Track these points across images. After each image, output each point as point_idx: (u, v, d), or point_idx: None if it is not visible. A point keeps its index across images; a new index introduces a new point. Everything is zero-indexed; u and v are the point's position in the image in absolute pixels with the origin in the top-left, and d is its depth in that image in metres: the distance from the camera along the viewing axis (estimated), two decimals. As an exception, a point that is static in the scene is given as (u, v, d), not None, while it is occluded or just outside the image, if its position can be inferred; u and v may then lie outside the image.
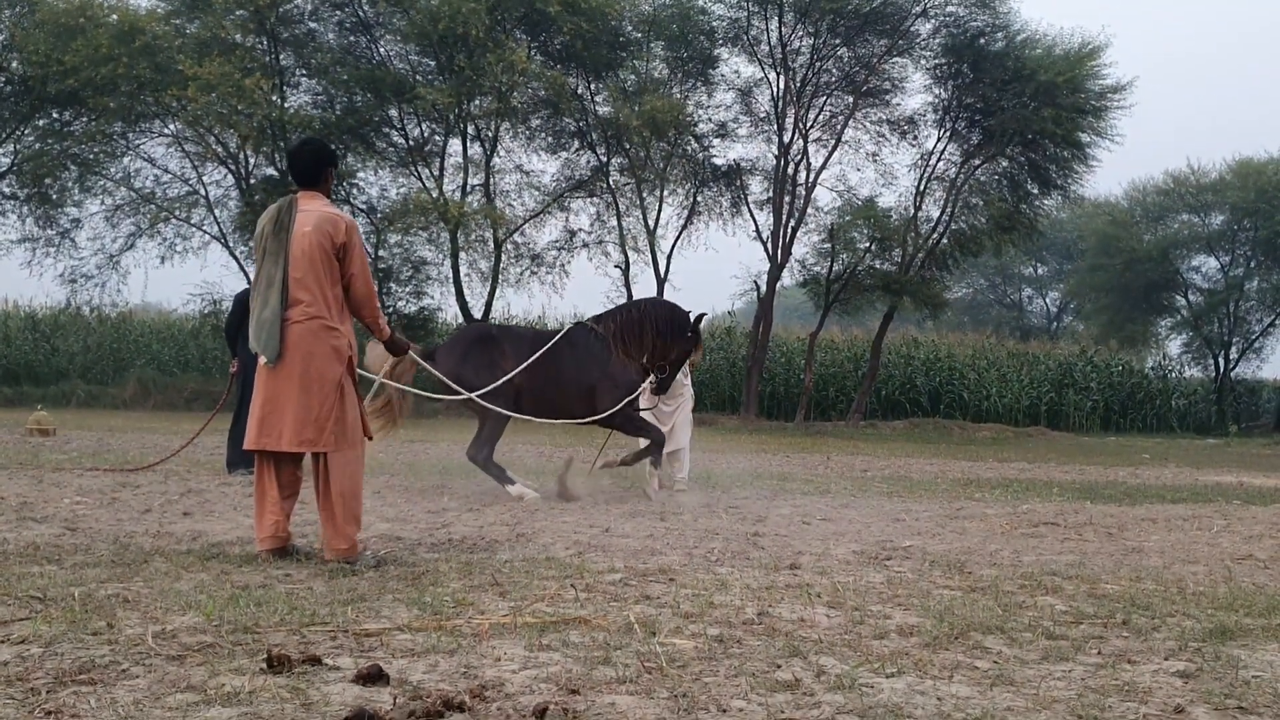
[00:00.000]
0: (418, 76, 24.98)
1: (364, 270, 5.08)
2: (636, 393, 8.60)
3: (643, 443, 8.79)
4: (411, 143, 25.82)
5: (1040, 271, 51.16)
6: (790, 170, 27.28)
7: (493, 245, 26.37)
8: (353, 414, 5.06)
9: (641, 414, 9.33)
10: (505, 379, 8.16)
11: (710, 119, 27.67)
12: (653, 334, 8.66)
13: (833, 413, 29.76)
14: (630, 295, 26.83)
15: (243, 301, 9.74)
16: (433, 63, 24.98)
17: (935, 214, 27.89)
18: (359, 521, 5.01)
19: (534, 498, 8.02)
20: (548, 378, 8.35)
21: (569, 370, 8.46)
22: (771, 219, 27.37)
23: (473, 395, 7.87)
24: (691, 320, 8.91)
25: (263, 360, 4.93)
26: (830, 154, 27.38)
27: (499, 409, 8.10)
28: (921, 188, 27.67)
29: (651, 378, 8.81)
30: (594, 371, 8.51)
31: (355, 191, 25.57)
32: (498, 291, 26.86)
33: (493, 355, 8.33)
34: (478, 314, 26.73)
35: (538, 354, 8.32)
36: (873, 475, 12.24)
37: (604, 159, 26.95)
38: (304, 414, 4.89)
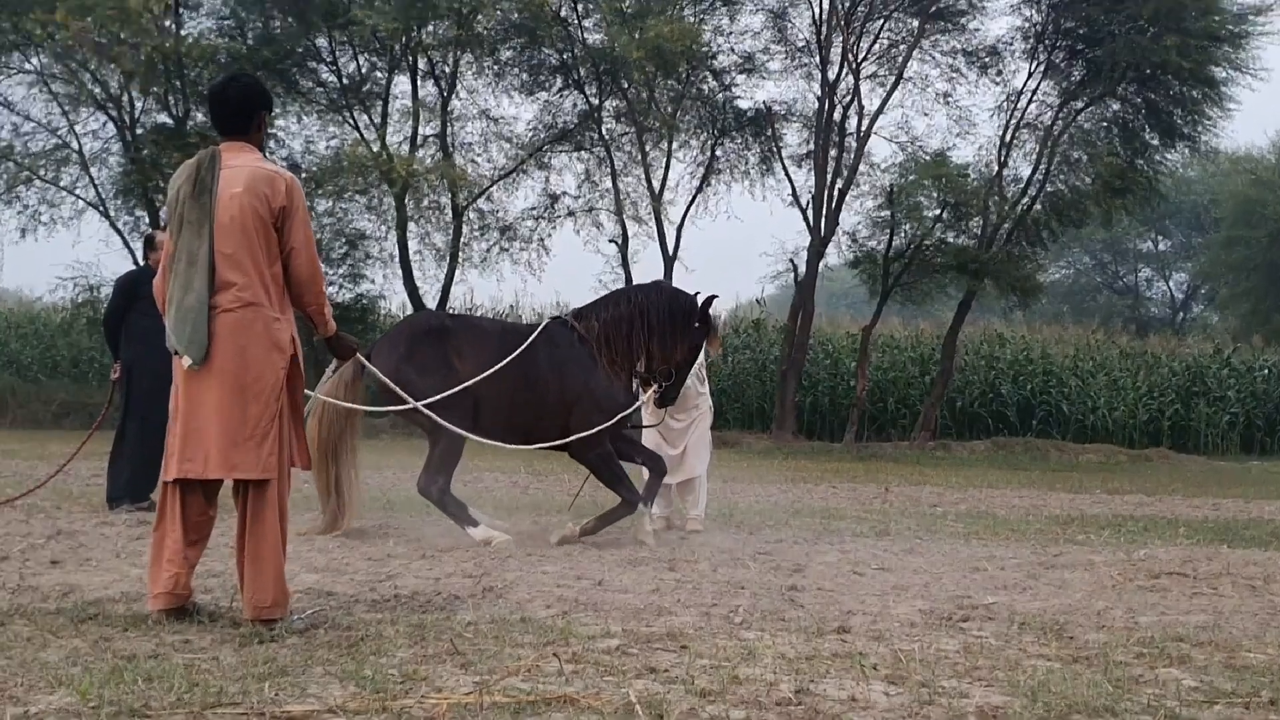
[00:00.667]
0: (354, -5, 25.07)
1: (308, 243, 5.11)
2: (619, 417, 8.53)
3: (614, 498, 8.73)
4: (346, 81, 25.89)
5: (1162, 247, 51.19)
6: (837, 115, 27.32)
7: (451, 214, 26.41)
8: (292, 431, 5.08)
9: (644, 431, 9.33)
10: (465, 384, 8.12)
11: (733, 49, 27.81)
12: (646, 332, 8.63)
13: (893, 430, 29.75)
14: (629, 277, 26.85)
15: (126, 287, 9.73)
16: (373, -23, 25.05)
17: (1025, 172, 27.94)
18: (284, 569, 5.04)
19: (504, 541, 8.03)
20: (517, 386, 8.33)
21: (546, 378, 8.45)
22: (813, 179, 27.41)
23: (413, 405, 7.85)
24: (699, 305, 8.92)
25: (185, 361, 4.94)
26: (889, 94, 27.45)
27: (452, 427, 8.05)
28: (1008, 138, 27.70)
29: (653, 389, 8.80)
30: (575, 384, 8.51)
31: (274, 144, 25.65)
32: (458, 274, 26.98)
33: (446, 354, 8.31)
34: (431, 302, 26.75)
35: (511, 357, 8.29)
36: (944, 511, 12.26)
37: (595, 102, 27.01)
38: (238, 430, 4.91)
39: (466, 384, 8.13)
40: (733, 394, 29.99)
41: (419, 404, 7.85)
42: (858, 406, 27.50)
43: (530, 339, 8.47)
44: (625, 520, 8.66)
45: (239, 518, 5.04)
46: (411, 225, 26.19)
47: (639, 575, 6.88)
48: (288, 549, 5.20)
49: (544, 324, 8.73)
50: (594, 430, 8.39)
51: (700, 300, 8.97)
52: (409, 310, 28.24)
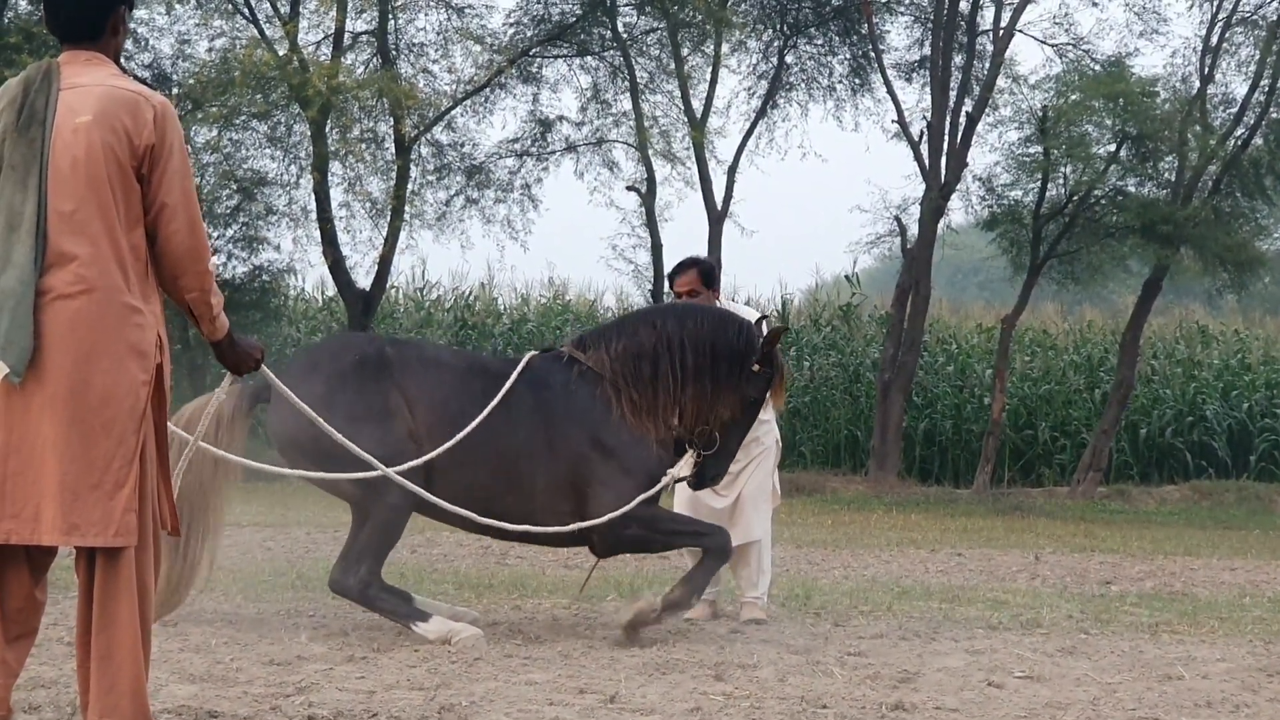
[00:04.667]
0: None
1: (187, 199, 5.07)
2: (659, 487, 8.57)
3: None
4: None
5: None
6: (965, 4, 27.30)
7: (394, 149, 26.37)
8: (158, 478, 5.08)
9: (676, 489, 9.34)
10: (428, 457, 8.14)
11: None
12: (678, 376, 8.52)
13: (1046, 470, 29.63)
14: (658, 245, 26.78)
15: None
16: None
17: (1240, 90, 27.76)
18: (146, 678, 5.03)
19: (472, 636, 8.04)
20: (486, 448, 8.32)
21: (534, 435, 8.47)
22: (929, 98, 27.37)
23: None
24: (761, 338, 8.83)
25: (0, 371, 4.92)
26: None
27: (421, 490, 8.06)
28: (1214, 40, 27.56)
29: (688, 457, 8.74)
30: (579, 440, 8.52)
31: (132, 44, 25.62)
32: (404, 237, 26.88)
33: (387, 396, 8.34)
34: (365, 278, 26.77)
35: (492, 405, 8.29)
36: (1121, 592, 12.21)
37: (607, -16, 27.01)
38: (81, 476, 4.88)
39: (434, 452, 8.14)
40: (810, 417, 29.92)
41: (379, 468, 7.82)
42: (994, 435, 27.37)
43: (510, 379, 8.46)
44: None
45: (81, 602, 5.04)
46: (335, 166, 26.15)
47: (670, 687, 6.85)
48: (151, 647, 5.19)
49: (525, 358, 8.72)
50: (617, 512, 8.35)
51: (763, 328, 8.91)
52: (333, 293, 28.19)
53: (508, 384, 8.42)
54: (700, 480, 8.81)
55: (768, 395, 8.98)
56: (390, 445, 8.12)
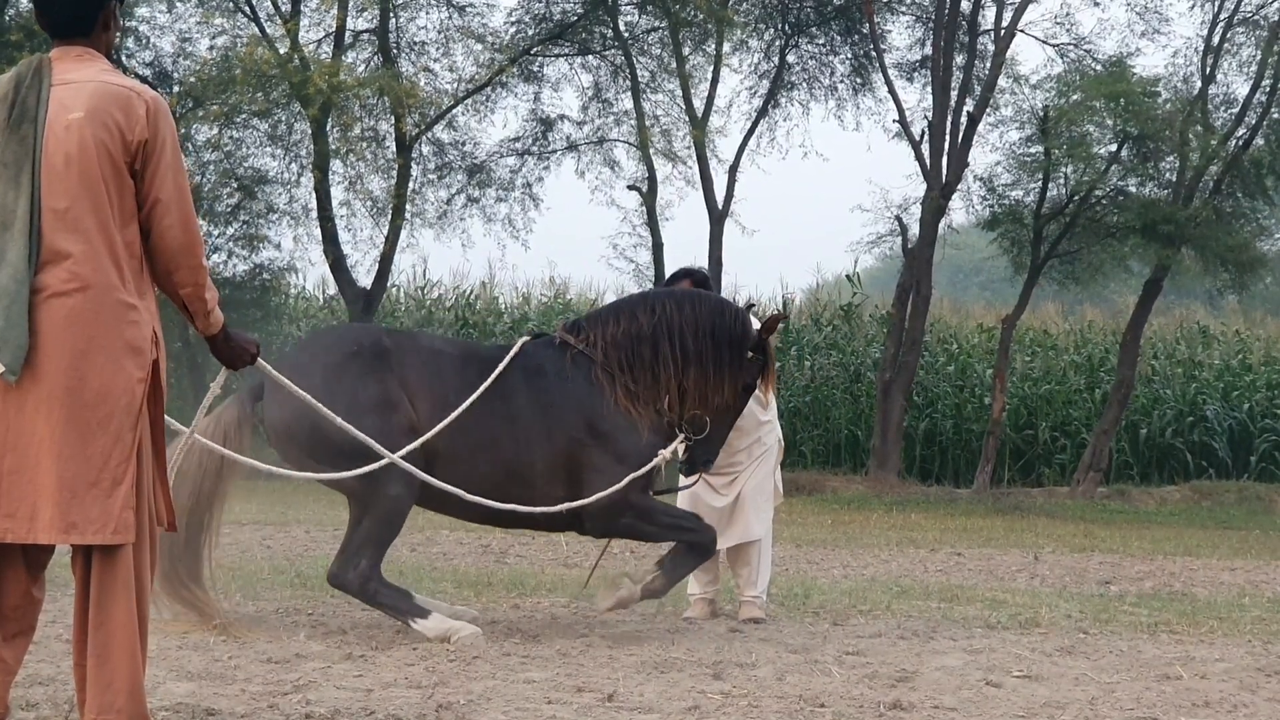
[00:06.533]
0: None
1: (181, 194, 5.05)
2: (649, 466, 8.56)
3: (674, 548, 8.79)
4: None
5: None
6: (966, 3, 27.27)
7: (395, 148, 26.37)
8: (154, 475, 5.07)
9: (670, 491, 9.33)
10: (424, 439, 8.15)
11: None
12: (678, 359, 8.57)
13: (1046, 470, 29.62)
14: (658, 244, 26.78)
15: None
16: None
17: (1241, 90, 27.74)
18: (143, 676, 5.02)
19: (470, 635, 8.04)
20: (484, 433, 8.38)
21: (530, 419, 8.50)
22: (930, 98, 27.35)
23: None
24: (755, 327, 8.89)
25: (-7, 370, 4.91)
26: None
27: (426, 476, 8.07)
28: (1215, 39, 27.54)
29: (679, 442, 8.75)
30: (574, 423, 8.54)
31: (131, 43, 25.55)
32: (405, 235, 26.89)
33: (387, 387, 8.34)
34: (365, 280, 26.76)
35: (485, 385, 8.30)
36: (1121, 592, 12.20)
37: (608, -17, 27.01)
38: (79, 473, 4.87)
39: (428, 434, 8.15)
40: (811, 416, 29.91)
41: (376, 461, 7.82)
42: (995, 435, 27.37)
43: (503, 363, 8.48)
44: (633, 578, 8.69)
45: (78, 599, 5.03)
46: (336, 164, 26.18)
47: (668, 686, 6.85)
48: (148, 644, 5.18)
49: (518, 343, 8.75)
50: (607, 492, 8.35)
51: (754, 319, 8.97)
52: (334, 292, 28.20)
53: (497, 370, 8.41)
54: (691, 466, 8.89)
55: (758, 385, 9.06)
56: (391, 437, 8.09)
